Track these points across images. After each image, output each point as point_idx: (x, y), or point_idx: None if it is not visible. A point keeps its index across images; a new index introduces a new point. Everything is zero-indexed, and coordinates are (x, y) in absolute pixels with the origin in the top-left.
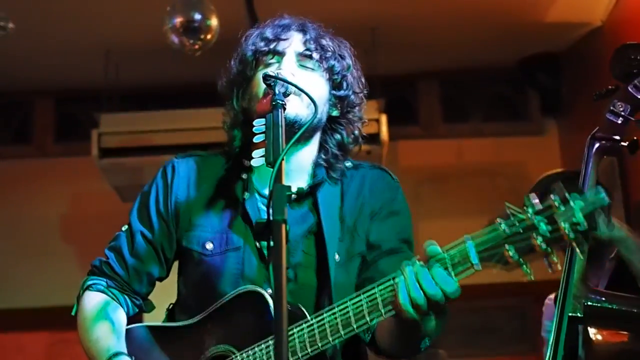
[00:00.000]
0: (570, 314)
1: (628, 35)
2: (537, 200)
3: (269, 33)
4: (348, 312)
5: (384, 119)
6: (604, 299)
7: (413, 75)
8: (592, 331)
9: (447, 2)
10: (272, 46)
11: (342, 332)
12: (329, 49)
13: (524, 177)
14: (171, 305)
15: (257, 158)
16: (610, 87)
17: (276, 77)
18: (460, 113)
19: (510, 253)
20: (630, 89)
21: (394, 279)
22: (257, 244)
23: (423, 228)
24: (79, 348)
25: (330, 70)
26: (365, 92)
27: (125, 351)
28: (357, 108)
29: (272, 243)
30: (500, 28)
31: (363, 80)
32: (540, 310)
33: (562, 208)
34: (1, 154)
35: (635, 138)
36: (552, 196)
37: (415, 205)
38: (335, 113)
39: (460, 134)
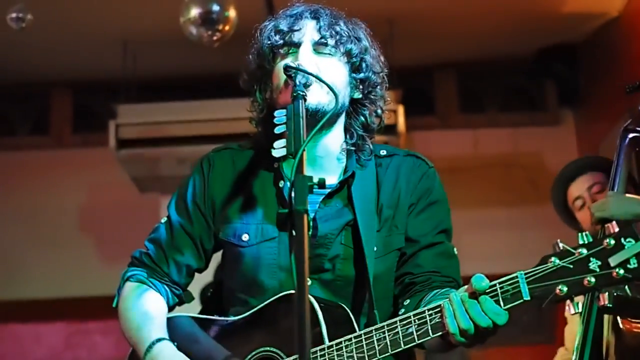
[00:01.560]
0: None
1: None
2: (589, 238)
3: (282, 25)
4: (397, 332)
5: (401, 109)
6: (633, 289)
7: (430, 66)
8: (621, 321)
9: None
10: (287, 38)
11: (390, 350)
12: (344, 33)
13: (541, 167)
14: (209, 293)
15: (279, 149)
16: None
17: (297, 68)
18: (476, 103)
19: (562, 289)
20: None
21: (442, 305)
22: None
23: None
24: (97, 338)
25: (347, 54)
26: (385, 70)
27: (168, 337)
28: (378, 87)
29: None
30: (517, 19)
31: (382, 58)
32: None
33: (613, 244)
34: (19, 144)
35: None
36: (605, 236)
37: None
38: (357, 95)
39: (476, 125)
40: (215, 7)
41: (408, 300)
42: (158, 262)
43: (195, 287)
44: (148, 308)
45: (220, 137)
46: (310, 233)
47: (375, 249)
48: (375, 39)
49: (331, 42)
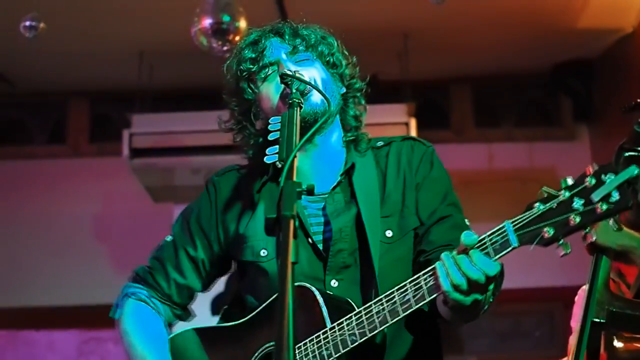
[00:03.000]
0: (593, 319)
1: None
2: (571, 181)
3: (249, 53)
4: (395, 301)
5: (413, 122)
6: (626, 305)
7: (445, 80)
8: (614, 338)
9: (480, 7)
10: (261, 62)
11: (390, 320)
12: (311, 37)
13: (555, 182)
14: (224, 311)
15: (271, 155)
16: (638, 100)
17: (293, 76)
18: (492, 117)
19: (548, 231)
20: None
21: (435, 266)
22: (309, 239)
23: None
24: (109, 346)
25: (321, 54)
26: (353, 60)
27: None
28: (354, 79)
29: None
30: (533, 33)
31: (346, 52)
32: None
33: (594, 183)
34: (36, 153)
35: None
36: (585, 176)
37: None
38: (343, 90)
39: (491, 139)
40: (226, 18)
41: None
42: (160, 282)
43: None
44: (151, 334)
45: (234, 148)
46: (320, 236)
47: (390, 234)
48: (390, 53)
49: (302, 47)
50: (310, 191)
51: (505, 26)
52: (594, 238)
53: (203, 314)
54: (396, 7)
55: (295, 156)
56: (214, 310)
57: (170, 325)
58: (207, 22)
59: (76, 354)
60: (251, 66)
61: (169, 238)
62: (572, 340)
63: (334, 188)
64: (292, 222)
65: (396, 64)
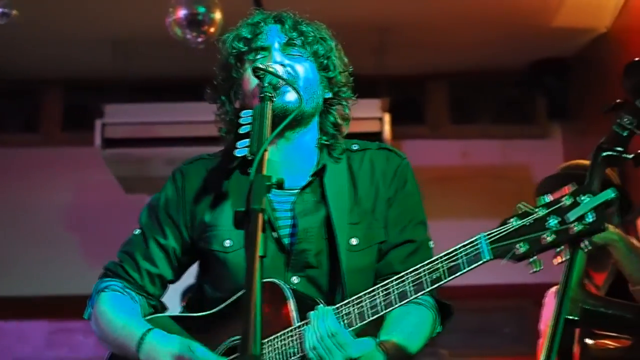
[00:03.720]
0: (566, 317)
1: (632, 42)
2: (549, 198)
3: (245, 32)
4: (363, 305)
5: (387, 118)
6: (600, 303)
7: (421, 76)
8: (587, 335)
9: (457, 4)
10: (252, 44)
11: (355, 324)
12: (310, 34)
13: (529, 179)
14: (188, 298)
15: (241, 148)
16: (618, 100)
17: (265, 70)
18: (467, 114)
19: (521, 247)
20: (638, 104)
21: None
22: (274, 233)
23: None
24: (79, 337)
25: (315, 53)
26: (349, 69)
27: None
28: (344, 87)
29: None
30: (509, 31)
31: (345, 59)
32: (539, 312)
33: (570, 202)
34: (9, 141)
35: (639, 152)
36: (563, 196)
37: None
38: (328, 94)
39: (466, 135)
40: (201, 9)
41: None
42: (132, 274)
43: (178, 287)
44: (131, 309)
45: (209, 139)
46: (286, 230)
47: (355, 242)
48: (366, 48)
49: (299, 42)
50: (279, 185)
51: (482, 24)
52: (566, 258)
53: (174, 307)
54: (373, 2)
55: (265, 150)
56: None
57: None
58: (182, 12)
59: (45, 345)
60: (243, 46)
61: (137, 231)
62: (542, 342)
63: (304, 187)
64: (261, 215)
65: (372, 58)
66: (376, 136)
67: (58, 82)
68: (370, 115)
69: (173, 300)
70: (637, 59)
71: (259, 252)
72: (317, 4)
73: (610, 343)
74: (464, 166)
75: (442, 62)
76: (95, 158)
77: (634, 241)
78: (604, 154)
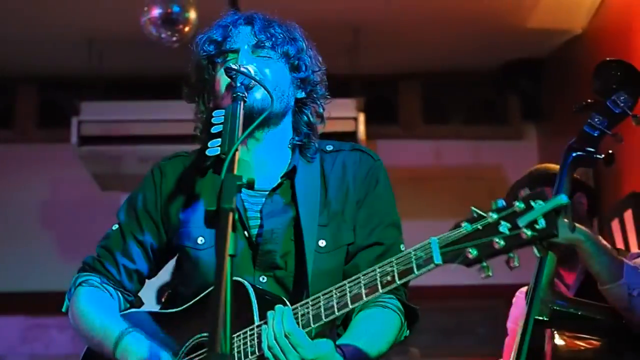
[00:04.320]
0: (536, 317)
1: (607, 43)
2: (501, 203)
3: (216, 35)
4: (320, 306)
5: (362, 117)
6: (570, 304)
7: (394, 75)
8: (557, 336)
9: (431, 4)
10: (222, 47)
11: (312, 324)
12: (280, 35)
13: (502, 180)
14: (167, 294)
15: (213, 148)
16: (589, 100)
17: (238, 70)
18: (440, 115)
19: (472, 252)
20: (608, 104)
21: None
22: (246, 232)
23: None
24: (54, 333)
25: (285, 54)
26: (324, 69)
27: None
28: (318, 86)
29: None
30: (483, 32)
31: (320, 58)
32: None
33: (522, 208)
34: None
35: (610, 151)
36: (516, 200)
37: None
38: (300, 95)
39: (439, 136)
40: (176, 8)
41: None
42: (110, 268)
43: (153, 285)
44: (108, 307)
45: (183, 138)
46: (255, 230)
47: (323, 244)
48: (340, 47)
49: (268, 44)
50: (250, 185)
51: (456, 24)
52: (517, 264)
53: (149, 303)
54: (346, 1)
55: (237, 149)
56: (160, 300)
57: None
58: (156, 12)
59: (20, 341)
60: (213, 49)
61: (115, 227)
62: (509, 341)
63: (274, 189)
64: (231, 214)
65: (346, 58)
66: (351, 136)
67: (33, 79)
68: (345, 114)
69: (149, 295)
70: (607, 59)
71: (229, 250)
72: (290, 3)
73: (580, 344)
74: (436, 166)
75: (415, 62)
76: (71, 155)
77: (603, 240)
78: (575, 154)
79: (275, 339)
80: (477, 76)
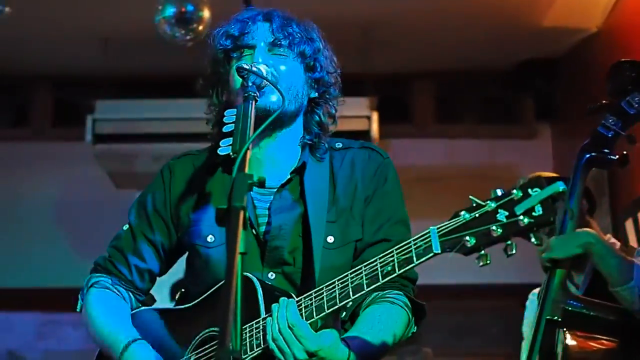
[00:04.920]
0: (548, 317)
1: (623, 42)
2: (499, 192)
3: (234, 30)
4: (322, 297)
5: (375, 116)
6: (582, 304)
7: (408, 75)
8: (569, 336)
9: (445, 2)
10: (239, 41)
11: (315, 315)
12: (297, 34)
13: (516, 180)
14: (179, 294)
15: (225, 147)
16: (603, 101)
17: (249, 70)
18: (454, 114)
19: (470, 240)
20: (623, 105)
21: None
22: (254, 230)
23: (412, 228)
24: (68, 329)
25: (301, 54)
26: (338, 71)
27: (140, 337)
28: (332, 87)
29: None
30: (497, 31)
31: (335, 59)
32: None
33: (520, 195)
34: (0, 136)
35: (625, 152)
36: (513, 188)
37: (404, 204)
38: (313, 94)
39: (453, 135)
40: (190, 7)
41: (351, 302)
42: (121, 268)
43: (167, 283)
44: (117, 313)
45: (197, 136)
46: (264, 227)
47: (332, 240)
48: (352, 46)
49: (285, 42)
50: (261, 183)
51: (470, 22)
52: (514, 251)
53: (163, 301)
54: (360, 1)
55: (248, 148)
56: (173, 297)
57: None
58: (170, 11)
59: (35, 337)
60: (230, 44)
61: (125, 227)
62: (524, 345)
63: (283, 185)
64: (242, 213)
65: (359, 57)
66: (364, 135)
67: (49, 78)
68: (358, 113)
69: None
70: (621, 60)
71: (240, 248)
72: (303, 2)
73: (593, 344)
74: (450, 166)
75: (428, 61)
76: (86, 153)
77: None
78: (588, 155)
79: (279, 331)
80: (491, 75)
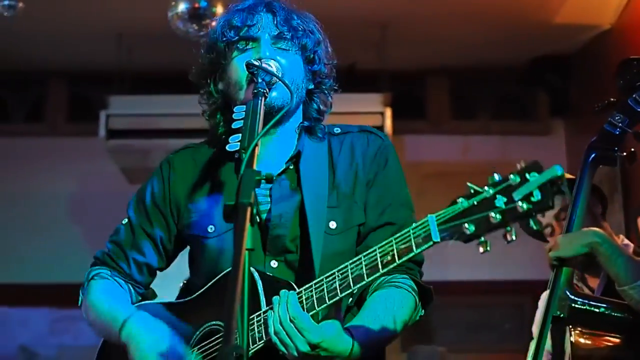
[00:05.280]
0: (554, 314)
1: (636, 39)
2: (497, 177)
3: (236, 20)
4: (323, 289)
5: (388, 112)
6: (589, 301)
7: (423, 71)
8: (575, 333)
9: (459, 0)
10: (242, 33)
11: (317, 307)
12: (300, 27)
13: None
14: (181, 286)
15: (233, 143)
16: (611, 99)
17: (259, 67)
18: (468, 110)
19: (469, 228)
20: (630, 102)
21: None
22: (256, 218)
23: None
24: (82, 325)
25: (303, 48)
26: (333, 62)
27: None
28: (328, 78)
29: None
30: (511, 27)
31: (329, 49)
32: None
33: (518, 181)
34: (14, 131)
35: (632, 149)
36: (511, 173)
37: (418, 200)
38: (310, 86)
39: (467, 131)
40: (203, 3)
41: (354, 292)
42: (119, 262)
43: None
44: (117, 296)
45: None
46: (264, 215)
47: (334, 225)
48: (368, 42)
49: (288, 35)
50: (269, 179)
51: (484, 19)
52: (514, 238)
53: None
54: None
55: (257, 145)
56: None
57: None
58: (183, 6)
59: (49, 332)
60: (233, 35)
61: (124, 221)
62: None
63: (280, 174)
64: (249, 209)
65: (374, 53)
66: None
67: (63, 74)
68: (372, 109)
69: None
70: (630, 57)
71: (247, 244)
72: None
73: (599, 341)
74: (464, 162)
75: (443, 57)
76: (99, 148)
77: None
78: (595, 152)
79: (281, 324)
80: (506, 71)
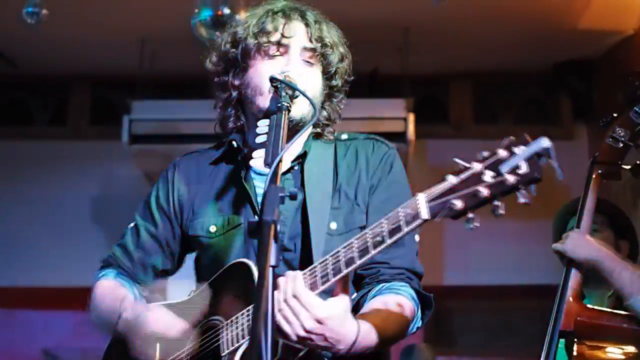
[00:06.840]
0: (562, 330)
1: None
2: (485, 153)
3: (269, 25)
4: (316, 274)
5: (411, 117)
6: (593, 314)
7: (445, 75)
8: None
9: (482, 4)
10: (273, 39)
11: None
12: (328, 42)
13: (552, 181)
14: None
15: (257, 158)
16: (615, 114)
17: (283, 82)
18: (491, 114)
19: (457, 203)
20: (631, 115)
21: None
22: (256, 217)
23: (448, 228)
24: None
25: (328, 63)
26: (350, 78)
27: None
28: (338, 93)
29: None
30: (534, 32)
31: (350, 61)
32: None
33: (505, 155)
34: (37, 134)
35: (638, 162)
36: (498, 147)
37: None
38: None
39: (490, 136)
40: (226, 10)
41: (355, 293)
42: (125, 263)
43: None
44: (122, 288)
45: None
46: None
47: (335, 226)
48: (391, 47)
49: (318, 48)
50: (293, 197)
51: (507, 24)
52: (502, 212)
53: None
54: (398, 2)
55: (280, 161)
56: None
57: None
58: (207, 13)
59: (72, 335)
60: (264, 41)
61: (131, 224)
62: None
63: (284, 173)
64: (273, 226)
65: (396, 58)
66: (400, 136)
67: (87, 78)
68: (395, 115)
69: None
70: (630, 71)
71: (271, 262)
72: (343, 4)
73: (604, 353)
74: None
75: (466, 62)
76: (122, 152)
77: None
78: (598, 167)
79: (285, 301)
80: (528, 76)
